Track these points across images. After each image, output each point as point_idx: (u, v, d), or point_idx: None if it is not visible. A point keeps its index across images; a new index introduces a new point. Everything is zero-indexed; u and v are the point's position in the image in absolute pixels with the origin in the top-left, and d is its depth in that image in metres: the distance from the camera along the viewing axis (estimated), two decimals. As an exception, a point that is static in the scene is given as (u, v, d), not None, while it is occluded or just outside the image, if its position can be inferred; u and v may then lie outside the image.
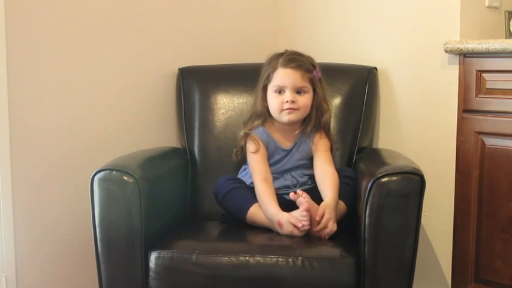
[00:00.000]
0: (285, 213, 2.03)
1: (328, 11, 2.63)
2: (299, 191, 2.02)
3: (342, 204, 2.11)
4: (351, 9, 2.56)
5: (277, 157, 2.23)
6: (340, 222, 2.07)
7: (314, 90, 2.21)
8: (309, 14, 2.69)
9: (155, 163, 2.23)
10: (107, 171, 1.98)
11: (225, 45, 2.66)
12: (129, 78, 2.43)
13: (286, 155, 2.23)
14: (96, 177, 1.98)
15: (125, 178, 1.96)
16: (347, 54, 2.55)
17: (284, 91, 2.18)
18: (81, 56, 2.32)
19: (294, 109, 2.18)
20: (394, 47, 2.45)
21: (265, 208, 2.08)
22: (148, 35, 2.47)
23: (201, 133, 2.42)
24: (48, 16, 2.23)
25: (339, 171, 2.19)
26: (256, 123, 2.25)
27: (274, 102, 2.20)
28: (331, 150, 2.26)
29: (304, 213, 1.98)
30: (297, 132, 2.24)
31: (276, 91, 2.20)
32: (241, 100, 2.43)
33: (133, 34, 2.43)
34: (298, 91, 2.19)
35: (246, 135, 2.24)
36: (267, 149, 2.22)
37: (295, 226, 2.00)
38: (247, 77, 2.45)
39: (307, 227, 2.00)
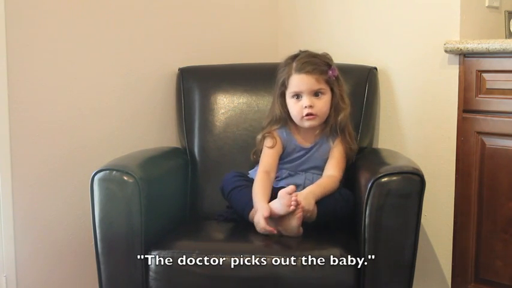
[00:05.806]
0: (266, 204, 2.03)
1: (328, 11, 2.63)
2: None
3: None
4: (351, 10, 2.56)
5: (295, 155, 2.24)
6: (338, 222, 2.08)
7: (332, 90, 2.21)
8: (309, 14, 2.69)
9: (155, 163, 2.23)
10: (107, 171, 1.98)
11: (225, 45, 2.65)
12: (129, 78, 2.43)
13: (305, 153, 2.24)
14: (96, 177, 1.98)
15: (125, 178, 1.96)
16: (347, 54, 2.54)
17: (301, 96, 2.19)
18: (81, 56, 2.32)
19: (313, 115, 2.18)
20: (394, 47, 2.45)
21: (253, 197, 2.10)
22: (149, 35, 2.47)
23: (201, 133, 2.42)
24: (48, 16, 2.23)
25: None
26: (274, 128, 2.25)
27: (294, 108, 2.21)
28: (351, 150, 2.24)
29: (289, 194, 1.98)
30: (317, 132, 2.24)
31: (293, 97, 2.20)
32: (241, 100, 2.43)
33: (133, 34, 2.43)
34: (316, 93, 2.19)
35: (264, 137, 2.24)
36: (284, 148, 2.23)
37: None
38: (247, 77, 2.45)
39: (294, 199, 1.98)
